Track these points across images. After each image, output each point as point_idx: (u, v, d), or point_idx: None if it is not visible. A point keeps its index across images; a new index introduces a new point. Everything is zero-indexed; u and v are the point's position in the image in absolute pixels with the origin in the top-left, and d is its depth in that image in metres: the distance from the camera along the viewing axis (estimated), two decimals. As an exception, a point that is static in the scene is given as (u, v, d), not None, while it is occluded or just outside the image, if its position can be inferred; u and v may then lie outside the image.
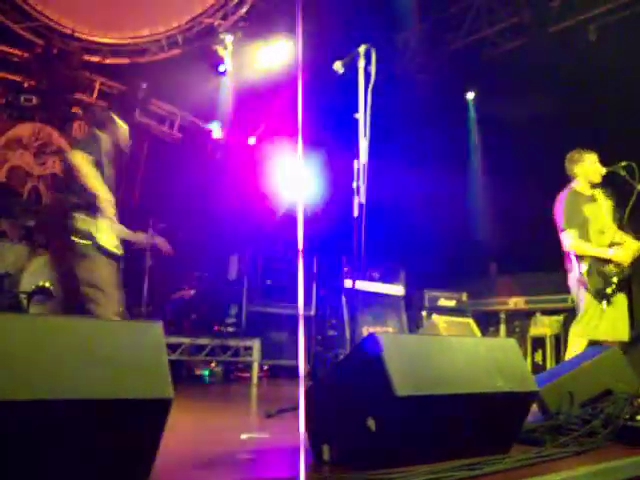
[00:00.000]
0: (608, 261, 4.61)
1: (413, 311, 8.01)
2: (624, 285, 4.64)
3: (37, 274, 6.01)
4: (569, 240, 4.71)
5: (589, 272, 4.61)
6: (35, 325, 1.81)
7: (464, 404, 2.27)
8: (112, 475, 1.85)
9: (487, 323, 8.56)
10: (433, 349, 2.34)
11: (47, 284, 6.00)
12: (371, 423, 2.11)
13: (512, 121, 8.42)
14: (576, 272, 4.70)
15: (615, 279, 4.57)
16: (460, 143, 10.01)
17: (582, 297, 4.68)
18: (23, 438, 1.65)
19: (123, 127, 4.23)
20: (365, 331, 6.85)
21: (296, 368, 6.89)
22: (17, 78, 8.15)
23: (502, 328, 8.48)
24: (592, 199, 4.84)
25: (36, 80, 8.08)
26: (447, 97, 9.65)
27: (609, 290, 4.57)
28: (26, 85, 8.15)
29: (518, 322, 8.36)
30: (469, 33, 9.35)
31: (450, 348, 2.41)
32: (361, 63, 4.21)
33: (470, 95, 10.25)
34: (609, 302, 4.56)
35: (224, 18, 9.08)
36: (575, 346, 4.70)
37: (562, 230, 4.76)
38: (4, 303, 5.50)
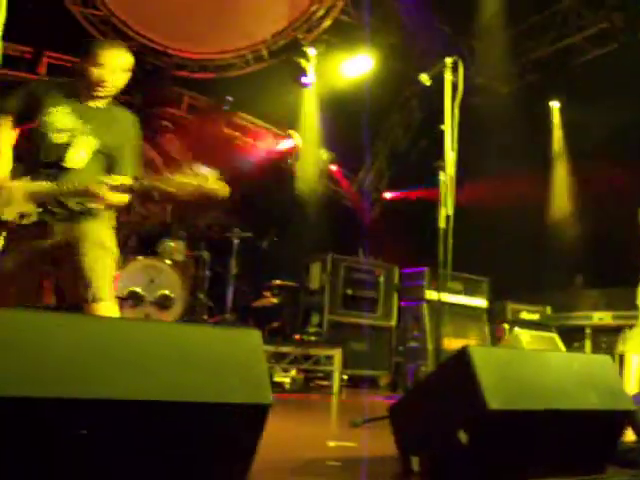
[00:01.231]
0: None
1: (495, 324, 7.86)
2: None
3: (129, 280, 6.27)
4: None
5: None
6: (140, 329, 1.91)
7: (557, 420, 2.24)
8: (210, 478, 1.93)
9: (571, 338, 8.31)
10: (526, 363, 2.33)
11: (138, 289, 6.25)
12: (462, 436, 2.12)
13: (600, 130, 8.19)
14: None
15: None
16: (545, 152, 9.79)
17: None
18: (125, 437, 1.73)
19: None
20: (446, 343, 6.77)
21: (376, 379, 6.90)
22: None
23: (587, 344, 8.21)
24: None
25: (130, 95, 8.47)
26: (529, 107, 9.47)
27: None
28: (121, 100, 8.53)
29: (605, 338, 8.07)
30: (555, 40, 9.15)
31: (543, 362, 2.38)
32: (448, 75, 4.22)
33: (555, 104, 10.01)
34: None
35: (309, 31, 9.23)
36: (632, 362, 4.48)
37: None
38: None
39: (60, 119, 2.96)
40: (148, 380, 1.77)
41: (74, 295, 2.91)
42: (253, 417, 1.88)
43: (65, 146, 2.94)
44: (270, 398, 1.87)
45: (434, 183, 4.01)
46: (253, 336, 2.00)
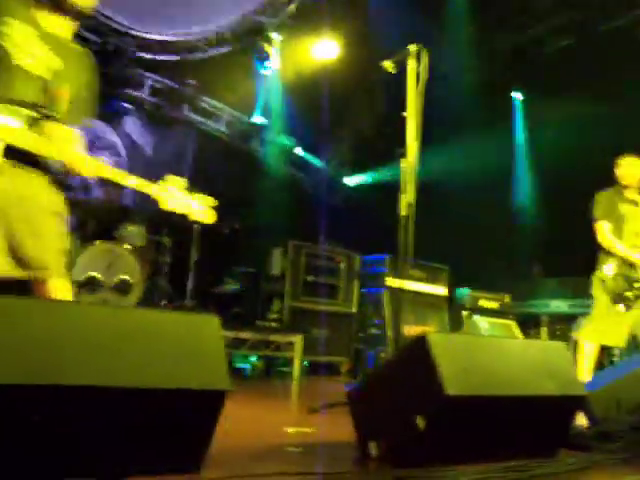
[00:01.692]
0: (635, 265, 4.45)
1: (454, 311, 7.97)
2: None
3: (87, 265, 6.16)
4: (602, 231, 4.58)
5: (613, 272, 4.45)
6: (95, 313, 1.87)
7: (513, 406, 2.28)
8: (167, 463, 1.91)
9: (528, 326, 8.47)
10: (484, 350, 2.36)
11: (97, 274, 6.15)
12: (420, 421, 2.14)
13: (561, 121, 8.32)
14: (601, 269, 4.57)
15: (639, 285, 4.40)
16: (507, 143, 9.92)
17: (601, 298, 4.53)
18: (81, 423, 1.71)
19: None
20: (406, 330, 6.84)
21: (336, 365, 6.93)
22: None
23: (543, 331, 8.38)
24: (633, 202, 4.73)
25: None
26: (493, 97, 9.57)
27: (629, 294, 4.39)
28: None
29: (560, 326, 8.25)
30: (519, 33, 9.25)
31: (501, 349, 2.42)
32: (411, 62, 4.21)
33: (517, 95, 10.15)
34: (626, 306, 4.40)
35: (273, 16, 9.15)
36: (584, 350, 4.57)
37: (595, 221, 4.64)
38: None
39: (27, 42, 2.57)
40: (105, 366, 1.75)
41: (19, 267, 2.54)
42: (210, 403, 1.87)
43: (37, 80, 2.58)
44: (228, 384, 1.86)
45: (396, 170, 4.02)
46: (212, 322, 1.98)
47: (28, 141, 2.49)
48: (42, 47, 2.60)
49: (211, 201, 2.99)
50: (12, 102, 2.50)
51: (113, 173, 2.74)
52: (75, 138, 2.79)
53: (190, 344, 1.89)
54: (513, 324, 7.96)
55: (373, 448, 2.34)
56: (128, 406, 1.79)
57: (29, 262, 2.56)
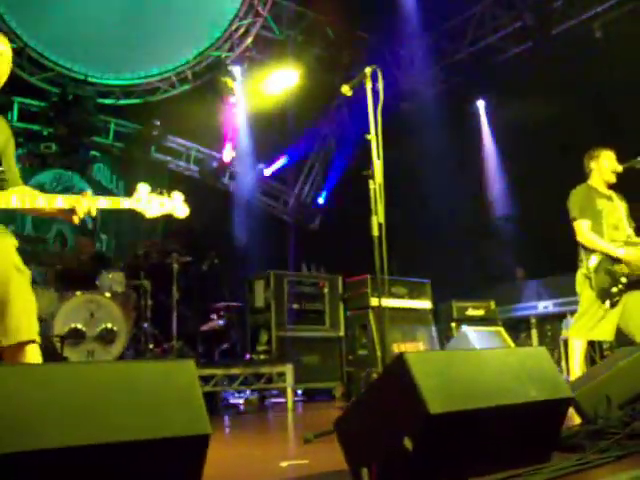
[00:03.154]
0: (618, 260, 4.43)
1: (442, 323, 7.97)
2: (633, 287, 4.41)
3: (69, 317, 6.10)
4: (581, 230, 4.60)
5: (597, 269, 4.45)
6: (68, 372, 1.86)
7: (499, 416, 2.27)
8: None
9: (518, 329, 8.49)
10: (463, 364, 2.35)
11: (79, 325, 6.09)
12: (407, 443, 2.12)
13: (525, 125, 8.43)
14: (584, 267, 4.59)
15: (624, 279, 4.38)
16: (474, 151, 10.03)
17: (586, 295, 4.53)
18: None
19: None
20: (395, 347, 6.83)
21: (330, 390, 6.88)
22: (36, 127, 8.39)
23: (534, 333, 8.40)
24: (608, 197, 4.78)
25: (54, 127, 8.30)
26: (457, 107, 9.69)
27: (615, 290, 4.39)
28: (45, 133, 8.38)
29: (550, 326, 8.28)
30: (474, 42, 9.41)
31: (480, 361, 2.42)
32: (368, 84, 4.26)
33: (480, 103, 10.28)
34: (612, 303, 4.39)
35: (230, 50, 9.23)
36: (574, 347, 4.59)
37: (574, 220, 4.67)
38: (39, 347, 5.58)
39: None
40: (83, 425, 1.72)
41: None
42: (193, 449, 1.85)
43: None
44: (209, 428, 1.84)
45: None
46: (187, 367, 1.97)
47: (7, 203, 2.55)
48: None
49: (181, 194, 3.01)
50: None
51: (81, 199, 2.72)
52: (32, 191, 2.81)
53: (167, 392, 1.87)
54: (502, 330, 7.96)
55: (365, 475, 2.32)
56: (111, 462, 1.77)
57: (4, 326, 2.55)
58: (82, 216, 2.69)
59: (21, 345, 2.59)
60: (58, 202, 2.66)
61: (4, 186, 2.71)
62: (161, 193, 2.92)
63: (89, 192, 2.79)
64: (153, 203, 2.88)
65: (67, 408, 1.73)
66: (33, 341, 2.64)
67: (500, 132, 9.93)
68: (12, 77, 2.91)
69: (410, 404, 2.11)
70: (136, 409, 1.81)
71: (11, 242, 2.67)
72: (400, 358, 2.18)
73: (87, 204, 2.70)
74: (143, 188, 2.89)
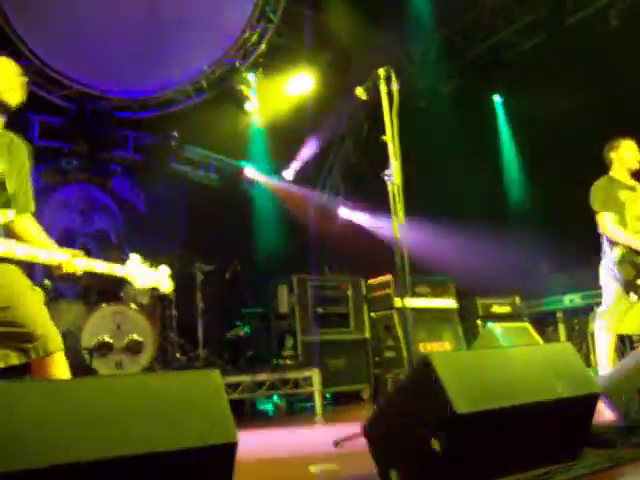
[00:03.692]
0: None
1: (467, 321, 7.92)
2: None
3: (96, 329, 6.16)
4: (604, 222, 4.56)
5: (620, 261, 4.41)
6: (96, 385, 1.89)
7: (526, 414, 2.26)
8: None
9: (544, 324, 8.40)
10: (489, 362, 2.35)
11: (107, 338, 6.16)
12: (435, 444, 2.12)
13: (542, 118, 8.35)
14: (608, 259, 4.54)
15: None
16: (492, 147, 9.97)
17: (611, 288, 4.51)
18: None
19: None
20: (422, 347, 6.81)
21: (358, 393, 6.88)
22: (57, 144, 8.52)
23: (561, 328, 8.30)
24: (631, 188, 4.73)
25: (74, 143, 8.41)
26: (472, 103, 9.65)
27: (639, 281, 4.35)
28: (66, 149, 8.51)
29: (577, 320, 8.19)
30: (487, 37, 9.36)
31: (506, 359, 2.41)
32: (382, 85, 4.26)
33: (495, 98, 10.23)
34: (639, 294, 4.35)
35: (244, 57, 9.28)
36: (602, 341, 4.53)
37: (597, 212, 4.62)
38: (69, 361, 5.66)
39: None
40: (111, 437, 1.75)
41: (14, 350, 2.60)
42: (222, 457, 1.87)
43: None
44: (235, 436, 1.86)
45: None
46: (212, 377, 1.99)
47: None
48: None
49: (168, 269, 3.14)
50: None
51: (81, 266, 2.80)
52: (36, 227, 2.90)
53: (193, 402, 1.90)
54: (528, 326, 7.89)
55: (394, 477, 2.32)
56: (142, 474, 1.79)
57: (32, 341, 2.60)
58: (64, 273, 2.76)
59: (50, 356, 2.64)
60: (42, 256, 2.72)
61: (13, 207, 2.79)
62: (152, 265, 3.06)
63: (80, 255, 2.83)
64: (142, 274, 3.02)
65: (95, 421, 1.75)
66: (60, 350, 2.70)
67: (517, 127, 9.86)
68: (31, 95, 2.98)
69: (437, 405, 2.11)
70: (163, 421, 1.83)
71: (16, 268, 2.75)
72: (426, 359, 2.18)
73: (80, 266, 2.78)
74: (135, 258, 3.02)
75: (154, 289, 6.75)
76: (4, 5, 7.67)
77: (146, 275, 3.04)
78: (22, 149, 2.92)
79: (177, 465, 1.83)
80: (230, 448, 1.85)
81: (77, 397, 1.77)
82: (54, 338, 2.68)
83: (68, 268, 2.73)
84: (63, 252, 2.76)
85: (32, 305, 2.69)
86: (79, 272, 2.78)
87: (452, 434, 2.10)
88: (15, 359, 2.59)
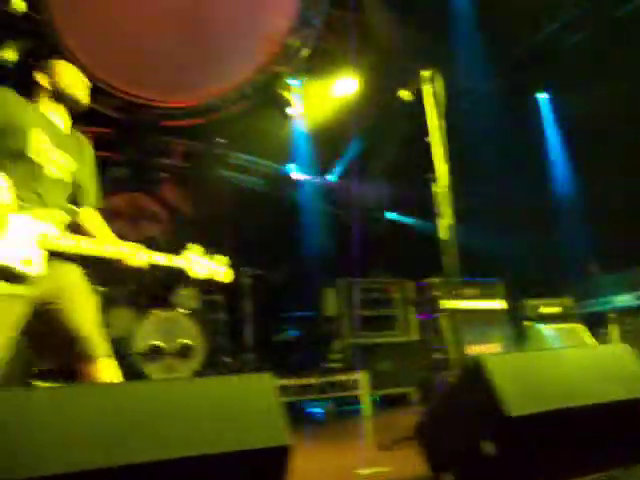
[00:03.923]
0: None
1: (516, 323, 7.79)
2: None
3: (147, 334, 6.28)
4: None
5: None
6: (152, 389, 1.93)
7: (582, 417, 2.23)
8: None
9: (596, 325, 8.21)
10: (542, 364, 2.32)
11: (158, 342, 6.27)
12: (488, 446, 2.11)
13: (591, 115, 8.19)
14: None
15: None
16: (538, 146, 9.81)
17: None
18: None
19: None
20: (470, 350, 6.74)
21: (406, 396, 6.84)
22: (106, 154, 8.74)
23: (614, 328, 8.11)
24: None
25: (124, 152, 8.62)
26: (517, 101, 9.51)
27: None
28: (115, 159, 8.72)
29: (630, 320, 7.98)
30: (531, 34, 9.22)
31: (559, 361, 2.37)
32: (427, 87, 4.26)
33: (541, 95, 10.07)
34: None
35: (288, 63, 9.36)
36: None
37: None
38: (121, 365, 5.78)
39: (46, 149, 2.74)
40: (170, 439, 1.79)
41: (66, 355, 2.67)
42: (275, 460, 1.89)
43: (39, 169, 2.71)
44: (289, 439, 1.88)
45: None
46: (265, 380, 2.01)
47: (65, 246, 2.64)
48: (58, 152, 2.78)
49: (227, 260, 3.19)
50: (47, 208, 2.66)
51: (143, 258, 2.87)
52: (99, 220, 3.02)
53: (247, 405, 1.92)
54: (580, 327, 7.72)
55: (447, 480, 2.31)
56: (198, 475, 1.83)
57: (81, 344, 2.67)
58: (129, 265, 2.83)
59: (96, 361, 2.70)
60: (107, 249, 2.79)
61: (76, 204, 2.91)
62: (209, 255, 3.12)
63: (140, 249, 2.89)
64: (200, 263, 3.09)
65: (153, 424, 1.79)
66: (107, 356, 2.76)
67: (564, 124, 9.69)
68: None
69: (489, 407, 2.09)
70: (218, 423, 1.86)
71: (79, 270, 2.83)
72: (477, 361, 2.17)
73: (142, 259, 2.85)
74: (193, 248, 3.10)
75: (205, 293, 6.86)
76: (57, 20, 7.91)
77: (203, 264, 3.09)
78: (89, 147, 3.05)
79: (232, 467, 1.86)
80: (284, 451, 1.87)
81: (136, 400, 1.81)
82: (100, 344, 2.74)
83: (131, 261, 2.81)
84: (126, 245, 2.83)
85: (85, 309, 2.76)
86: (143, 265, 2.85)
87: (505, 437, 2.09)
88: (64, 360, 2.70)
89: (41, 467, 1.56)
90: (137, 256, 2.83)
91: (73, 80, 2.93)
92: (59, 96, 2.87)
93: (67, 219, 2.74)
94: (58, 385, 1.80)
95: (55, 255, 2.62)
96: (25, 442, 1.58)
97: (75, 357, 2.67)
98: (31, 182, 2.64)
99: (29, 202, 2.59)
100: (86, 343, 2.68)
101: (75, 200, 2.92)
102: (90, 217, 2.98)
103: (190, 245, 3.10)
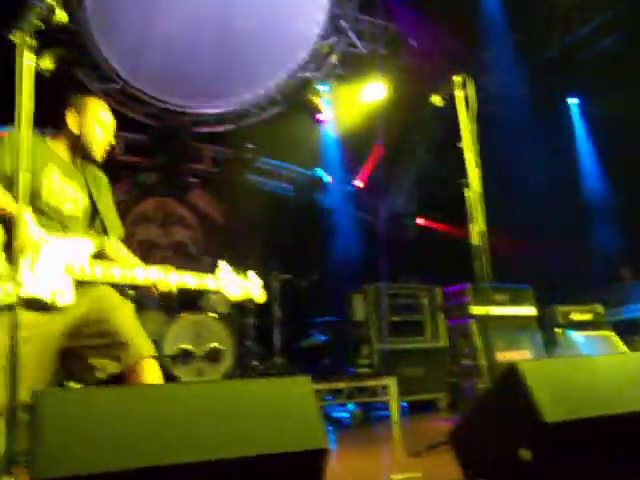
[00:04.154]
0: None
1: (546, 329, 7.71)
2: None
3: (177, 338, 6.35)
4: None
5: None
6: (192, 391, 1.96)
7: (618, 425, 2.21)
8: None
9: (630, 332, 8.09)
10: (577, 371, 2.30)
11: (187, 346, 6.33)
12: (525, 453, 2.10)
13: (623, 120, 8.10)
14: None
15: None
16: (569, 151, 9.72)
17: None
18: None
19: None
20: (500, 356, 6.68)
21: (435, 402, 6.81)
22: (137, 159, 8.88)
23: (647, 336, 7.98)
24: None
25: (155, 158, 8.74)
26: (547, 106, 9.44)
27: None
28: (147, 164, 8.85)
29: (664, 328, 7.85)
30: (561, 37, 9.15)
31: (595, 368, 2.36)
32: (458, 92, 4.25)
33: (572, 100, 9.98)
34: None
35: (317, 69, 9.41)
36: None
37: None
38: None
39: (59, 186, 2.77)
40: (210, 440, 1.81)
41: (111, 359, 2.72)
42: (313, 463, 1.91)
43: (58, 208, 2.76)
44: (327, 442, 1.89)
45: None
46: (303, 383, 2.03)
47: (94, 275, 2.68)
48: (70, 186, 2.83)
49: (258, 279, 3.16)
50: (72, 238, 2.71)
51: (175, 282, 2.86)
52: (126, 250, 3.05)
53: (286, 408, 1.94)
54: (612, 334, 7.62)
55: (482, 486, 2.31)
56: (237, 477, 1.85)
57: (125, 349, 2.73)
58: (161, 290, 2.83)
59: (142, 361, 2.76)
60: (139, 276, 2.78)
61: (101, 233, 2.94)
62: (241, 274, 3.07)
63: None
64: (233, 283, 3.03)
65: (193, 425, 1.82)
66: (152, 356, 2.81)
67: (595, 128, 9.59)
68: (115, 114, 3.11)
69: (525, 414, 2.09)
70: (257, 425, 1.89)
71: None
72: (512, 368, 2.17)
73: (174, 282, 2.84)
74: (224, 268, 3.03)
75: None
76: (93, 30, 8.09)
77: (237, 285, 3.05)
78: (105, 181, 3.09)
79: (270, 469, 1.88)
80: (322, 454, 1.89)
81: (178, 401, 1.84)
82: (145, 344, 2.81)
83: (163, 286, 2.80)
84: (156, 269, 2.83)
85: (124, 316, 2.83)
86: (174, 290, 2.84)
87: (542, 443, 2.08)
88: (113, 368, 2.72)
89: (102, 464, 1.60)
90: (169, 280, 2.82)
91: (99, 122, 2.92)
92: (76, 142, 2.88)
93: (94, 248, 2.78)
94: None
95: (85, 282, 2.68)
96: (86, 440, 1.63)
97: (121, 361, 2.73)
98: (49, 220, 2.69)
99: (55, 233, 2.65)
100: (132, 346, 2.74)
101: (101, 233, 2.96)
102: (116, 247, 3.02)
103: (221, 264, 3.04)
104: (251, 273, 3.15)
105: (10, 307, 2.10)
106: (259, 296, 3.16)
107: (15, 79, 2.10)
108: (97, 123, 2.90)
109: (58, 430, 1.64)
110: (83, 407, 1.70)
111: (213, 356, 6.42)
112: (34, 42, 2.14)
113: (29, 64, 2.12)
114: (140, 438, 1.74)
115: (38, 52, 2.18)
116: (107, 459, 1.63)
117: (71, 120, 2.86)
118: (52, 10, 2.19)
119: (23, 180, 2.12)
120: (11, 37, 2.08)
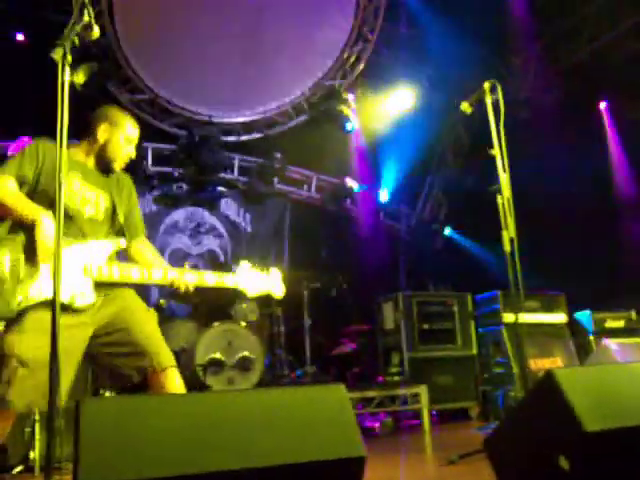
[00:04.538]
0: None
1: (579, 337, 7.60)
2: None
3: (208, 347, 6.39)
4: None
5: None
6: (229, 400, 1.98)
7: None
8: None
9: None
10: (615, 379, 2.28)
11: (219, 355, 6.36)
12: (563, 462, 2.08)
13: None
14: None
15: None
16: (601, 157, 9.61)
17: None
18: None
19: None
20: (533, 364, 6.61)
21: (466, 410, 6.75)
22: (168, 169, 9.00)
23: (682, 343, 7.82)
24: None
25: (184, 168, 8.85)
26: (577, 111, 9.34)
27: None
28: (176, 174, 8.96)
29: (701, 335, 7.69)
30: (590, 42, 9.06)
31: (631, 376, 2.33)
32: (488, 99, 4.24)
33: (602, 105, 9.86)
34: None
35: (344, 77, 9.45)
36: None
37: None
38: (184, 376, 5.90)
39: (79, 191, 2.83)
40: (246, 449, 1.82)
41: (132, 369, 2.77)
42: (350, 471, 1.91)
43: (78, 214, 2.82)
44: (364, 450, 1.89)
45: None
46: (338, 391, 2.04)
47: (112, 276, 2.74)
48: (92, 191, 2.88)
49: (279, 272, 3.17)
50: (90, 241, 2.78)
51: (192, 280, 2.89)
52: (151, 250, 3.11)
53: (321, 416, 1.95)
54: (645, 341, 7.49)
55: (519, 495, 2.29)
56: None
57: (145, 357, 2.77)
58: (180, 291, 2.87)
59: (164, 371, 2.79)
60: (155, 276, 2.83)
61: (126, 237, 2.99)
62: (261, 268, 3.09)
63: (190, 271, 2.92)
64: (253, 280, 3.05)
65: (231, 433, 1.83)
66: (173, 366, 2.84)
67: (625, 133, 9.47)
68: (145, 125, 3.17)
69: (563, 422, 2.07)
70: (294, 434, 1.89)
71: (131, 290, 2.94)
72: (549, 375, 2.15)
73: (192, 281, 2.87)
74: (244, 266, 3.06)
75: (263, 308, 6.94)
76: (123, 43, 8.24)
77: (256, 281, 3.07)
78: (128, 182, 3.14)
79: (307, 478, 1.89)
80: (359, 462, 1.89)
81: (213, 409, 1.86)
82: (166, 354, 2.84)
83: (180, 284, 2.84)
84: (174, 270, 2.88)
85: (146, 325, 2.87)
86: (191, 287, 2.87)
87: (581, 452, 2.06)
88: (137, 377, 2.77)
89: (144, 472, 1.63)
90: (186, 279, 2.86)
91: (127, 138, 2.98)
92: (101, 152, 2.94)
93: (112, 250, 2.82)
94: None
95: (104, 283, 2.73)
96: (127, 448, 1.65)
97: (144, 370, 2.77)
98: (71, 224, 2.75)
99: (73, 238, 2.71)
100: (154, 355, 2.78)
101: (123, 234, 3.00)
102: (141, 249, 3.07)
103: (242, 262, 3.08)
104: (273, 269, 3.16)
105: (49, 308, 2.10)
106: (279, 292, 3.17)
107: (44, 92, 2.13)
108: (125, 139, 2.97)
109: (100, 439, 1.67)
110: (125, 415, 1.73)
111: (244, 365, 6.44)
112: (70, 58, 2.19)
113: (68, 80, 2.17)
114: (180, 446, 1.76)
115: (72, 67, 2.23)
116: (149, 467, 1.65)
117: (102, 131, 2.92)
118: (90, 27, 2.24)
119: (59, 191, 2.16)
120: (52, 55, 2.12)
